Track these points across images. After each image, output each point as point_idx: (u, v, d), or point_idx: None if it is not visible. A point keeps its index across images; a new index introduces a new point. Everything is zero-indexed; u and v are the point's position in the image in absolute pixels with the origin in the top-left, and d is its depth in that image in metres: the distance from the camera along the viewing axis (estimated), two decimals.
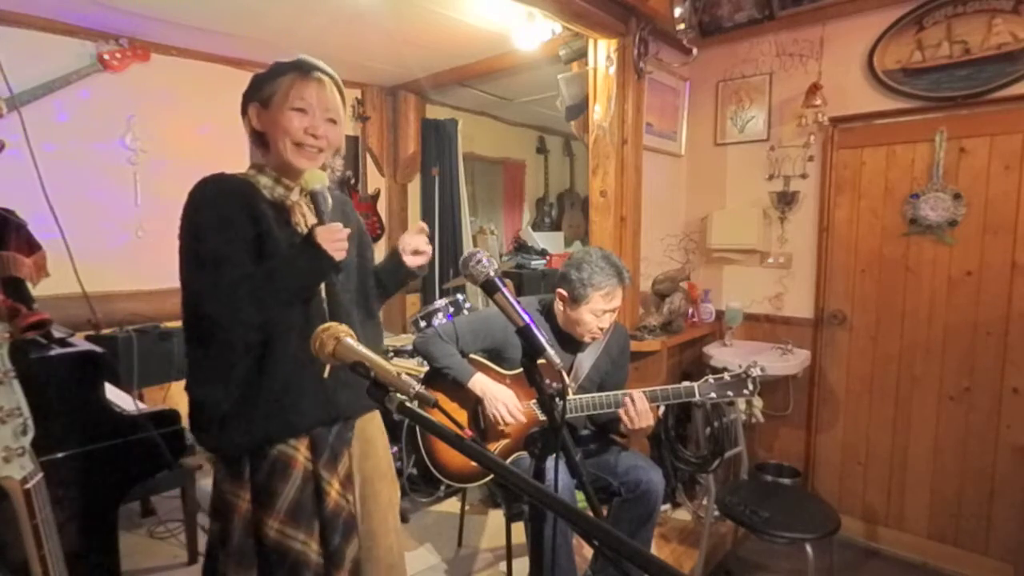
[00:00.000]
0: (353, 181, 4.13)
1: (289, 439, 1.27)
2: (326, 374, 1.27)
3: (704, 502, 2.65)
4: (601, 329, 1.92)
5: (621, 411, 1.81)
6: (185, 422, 1.60)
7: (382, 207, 4.30)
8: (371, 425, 1.45)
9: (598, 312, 1.87)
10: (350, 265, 1.39)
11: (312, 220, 1.33)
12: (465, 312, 3.12)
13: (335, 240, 1.20)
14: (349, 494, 1.34)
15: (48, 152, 2.81)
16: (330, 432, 1.31)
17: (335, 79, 1.33)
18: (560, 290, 1.93)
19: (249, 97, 1.32)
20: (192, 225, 1.21)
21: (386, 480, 1.47)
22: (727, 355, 2.81)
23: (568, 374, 1.97)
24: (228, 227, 1.20)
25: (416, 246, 1.43)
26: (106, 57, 2.90)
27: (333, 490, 1.29)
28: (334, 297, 1.33)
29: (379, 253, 5.05)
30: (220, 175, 1.27)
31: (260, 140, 1.32)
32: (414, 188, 4.52)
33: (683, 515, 2.86)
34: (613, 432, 2.06)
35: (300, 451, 1.28)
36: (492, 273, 1.16)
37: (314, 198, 1.26)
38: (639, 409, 1.79)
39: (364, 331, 1.32)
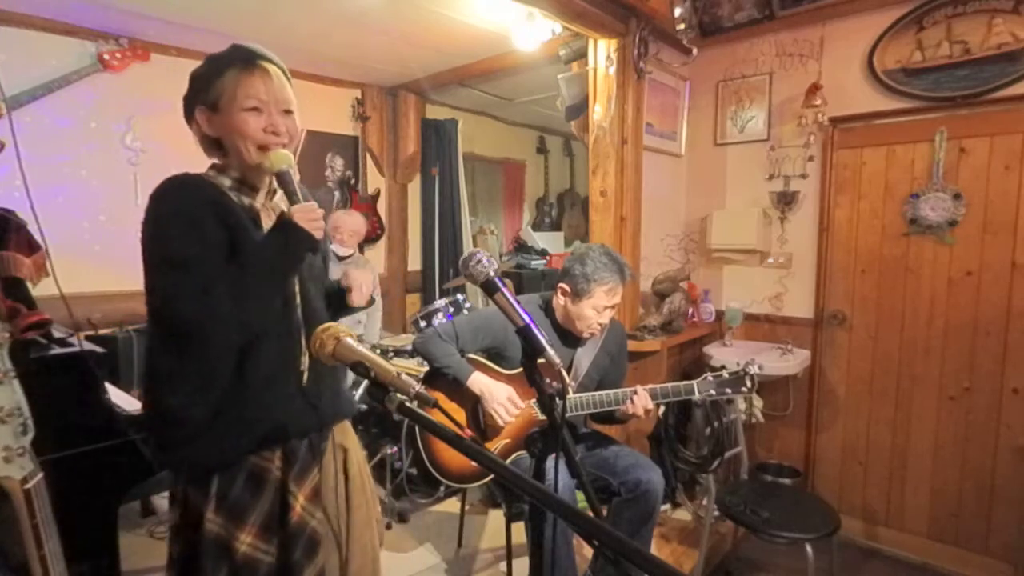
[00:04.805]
0: (353, 181, 4.13)
1: (265, 451, 1.20)
2: (304, 381, 1.25)
3: (704, 502, 2.65)
4: (601, 325, 1.92)
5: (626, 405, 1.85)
6: None
7: (382, 207, 4.30)
8: (346, 436, 1.39)
9: (599, 308, 1.88)
10: (318, 271, 1.35)
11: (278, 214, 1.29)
12: (465, 312, 3.12)
13: (312, 219, 1.15)
14: (317, 511, 1.26)
15: (48, 152, 2.81)
16: (302, 443, 1.26)
17: (278, 64, 1.24)
18: (562, 284, 1.93)
19: (193, 101, 1.22)
20: (158, 227, 1.14)
21: (364, 494, 1.39)
22: (727, 355, 2.81)
23: (568, 372, 1.97)
24: (196, 226, 1.13)
25: (363, 282, 1.38)
26: (106, 57, 2.90)
27: (298, 504, 1.23)
28: (308, 304, 1.28)
29: (380, 253, 4.97)
30: (184, 175, 1.19)
31: (214, 144, 1.24)
32: (414, 188, 4.52)
33: (683, 515, 2.86)
34: (608, 422, 2.07)
35: (274, 462, 1.22)
36: (492, 273, 1.16)
37: (282, 178, 1.19)
38: (637, 404, 1.84)
39: None
